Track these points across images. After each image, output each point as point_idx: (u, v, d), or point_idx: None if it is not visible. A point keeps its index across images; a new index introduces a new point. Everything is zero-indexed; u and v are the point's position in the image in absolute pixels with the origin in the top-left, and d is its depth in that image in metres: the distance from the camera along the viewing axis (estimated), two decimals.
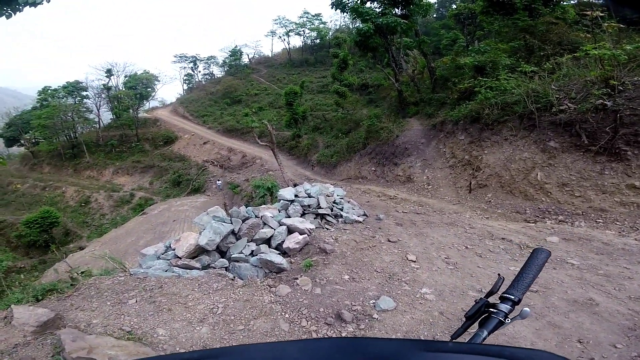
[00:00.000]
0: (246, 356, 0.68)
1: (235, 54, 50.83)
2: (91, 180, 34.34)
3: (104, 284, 3.98)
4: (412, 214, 8.62)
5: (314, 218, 7.06)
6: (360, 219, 7.55)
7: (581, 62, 9.99)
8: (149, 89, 43.40)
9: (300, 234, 5.78)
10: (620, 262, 4.96)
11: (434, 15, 33.75)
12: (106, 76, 41.87)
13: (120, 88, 42.57)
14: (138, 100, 40.71)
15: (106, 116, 44.38)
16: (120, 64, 44.36)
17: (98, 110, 40.78)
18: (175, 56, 53.56)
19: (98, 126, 41.28)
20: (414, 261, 5.10)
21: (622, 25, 9.57)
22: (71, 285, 3.94)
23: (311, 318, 3.64)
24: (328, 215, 7.26)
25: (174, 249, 5.26)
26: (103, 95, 41.42)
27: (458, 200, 10.21)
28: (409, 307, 3.86)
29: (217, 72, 55.78)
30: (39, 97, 42.56)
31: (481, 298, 0.99)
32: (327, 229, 6.75)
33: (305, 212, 7.09)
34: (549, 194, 8.30)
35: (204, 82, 53.52)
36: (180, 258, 4.96)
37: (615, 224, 6.77)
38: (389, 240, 6.02)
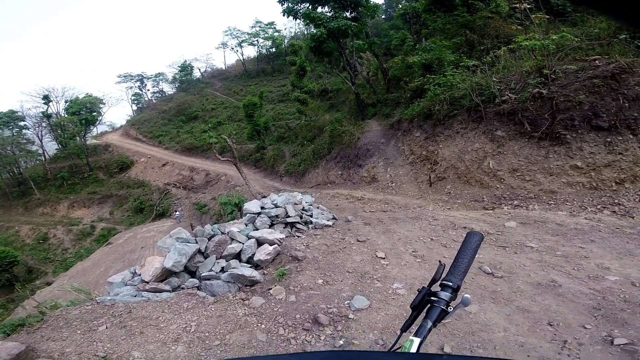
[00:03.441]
0: None
1: (186, 68, 49.50)
2: (45, 217, 31.55)
3: (71, 314, 3.88)
4: (379, 212, 8.88)
5: (284, 227, 7.07)
6: (330, 222, 7.68)
7: (517, 54, 10.74)
8: (94, 113, 40.65)
9: (270, 244, 5.78)
10: (575, 241, 5.29)
11: (383, 17, 34.57)
12: (44, 103, 38.61)
13: (62, 114, 39.51)
14: (84, 126, 37.96)
15: (51, 146, 41.05)
16: (59, 89, 41.35)
17: (40, 140, 37.58)
18: (119, 76, 51.11)
19: (43, 158, 38.10)
20: (383, 258, 5.27)
21: (548, 17, 10.36)
22: (41, 319, 3.84)
23: (288, 326, 3.64)
24: (298, 223, 7.31)
25: (139, 275, 5.05)
26: (44, 124, 38.30)
27: (420, 194, 10.68)
28: (382, 304, 3.98)
29: (168, 89, 54.07)
30: None
31: (423, 287, 0.99)
32: (298, 236, 6.78)
33: (274, 222, 7.09)
34: (502, 180, 8.93)
35: (154, 101, 51.42)
36: (147, 283, 4.76)
37: (566, 204, 7.30)
38: (358, 240, 6.17)
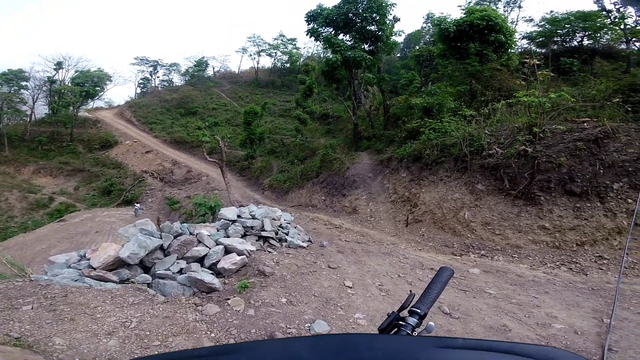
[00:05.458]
0: (257, 352, 0.66)
1: (201, 64, 49.63)
2: (5, 176, 29.49)
3: None
4: (354, 242, 8.88)
5: (256, 240, 6.89)
6: (305, 244, 7.55)
7: (513, 109, 11.02)
8: (97, 88, 40.21)
9: (239, 254, 5.58)
10: (530, 292, 5.60)
11: (398, 55, 35.63)
12: (54, 69, 38.16)
13: (67, 83, 38.85)
14: (82, 98, 37.45)
15: (42, 110, 39.81)
16: (74, 58, 40.64)
17: (33, 102, 36.63)
18: (136, 58, 50.64)
19: (28, 119, 36.69)
20: (351, 287, 5.21)
21: (552, 74, 10.67)
22: None
23: (241, 339, 3.47)
24: (272, 238, 7.15)
25: (88, 259, 4.70)
26: (44, 88, 37.37)
27: (396, 232, 10.78)
28: (342, 332, 3.88)
29: (177, 80, 53.75)
30: None
31: (393, 312, 1.02)
32: (270, 252, 6.62)
33: (247, 233, 6.91)
34: (474, 231, 9.17)
35: (160, 89, 50.91)
36: (94, 269, 4.41)
37: (528, 258, 7.66)
38: (330, 267, 6.11)
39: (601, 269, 6.68)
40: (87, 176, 29.24)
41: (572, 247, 7.54)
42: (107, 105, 46.69)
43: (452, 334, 4.01)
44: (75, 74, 39.60)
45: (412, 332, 0.95)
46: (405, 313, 1.03)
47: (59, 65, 38.36)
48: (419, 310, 1.00)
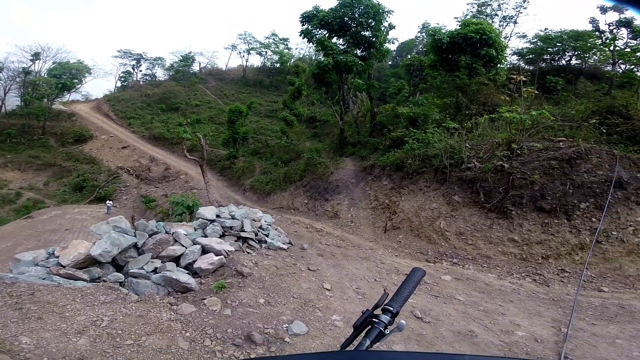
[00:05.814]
0: None
1: (187, 60, 48.22)
2: None
3: None
4: (334, 246, 8.98)
5: (235, 240, 6.85)
6: (285, 246, 7.56)
7: (495, 124, 11.27)
8: (75, 80, 38.50)
9: (217, 254, 5.54)
10: (497, 300, 5.88)
11: (389, 63, 35.22)
12: (31, 59, 36.32)
13: (43, 74, 37.01)
14: (58, 90, 35.67)
15: (13, 101, 37.64)
16: (53, 49, 38.59)
17: (5, 94, 34.79)
18: (119, 51, 48.58)
19: None
20: (329, 289, 5.29)
21: (537, 92, 10.92)
22: None
23: (217, 338, 3.44)
24: (251, 239, 7.11)
25: (57, 257, 4.52)
26: (18, 79, 35.51)
27: (374, 238, 10.98)
28: (319, 332, 3.96)
29: (161, 75, 51.74)
30: None
31: (367, 309, 1.06)
32: (249, 252, 6.58)
33: (226, 233, 6.86)
34: (448, 240, 9.50)
35: (141, 83, 49.10)
36: (64, 267, 4.24)
37: (496, 268, 8.05)
38: (309, 269, 6.17)
39: (562, 282, 7.09)
40: (58, 171, 27.80)
41: (538, 260, 8.01)
42: (84, 98, 44.67)
43: (424, 337, 4.16)
44: (53, 66, 37.94)
45: (384, 329, 0.99)
46: (378, 311, 1.06)
47: (36, 56, 36.68)
48: (391, 309, 1.04)
